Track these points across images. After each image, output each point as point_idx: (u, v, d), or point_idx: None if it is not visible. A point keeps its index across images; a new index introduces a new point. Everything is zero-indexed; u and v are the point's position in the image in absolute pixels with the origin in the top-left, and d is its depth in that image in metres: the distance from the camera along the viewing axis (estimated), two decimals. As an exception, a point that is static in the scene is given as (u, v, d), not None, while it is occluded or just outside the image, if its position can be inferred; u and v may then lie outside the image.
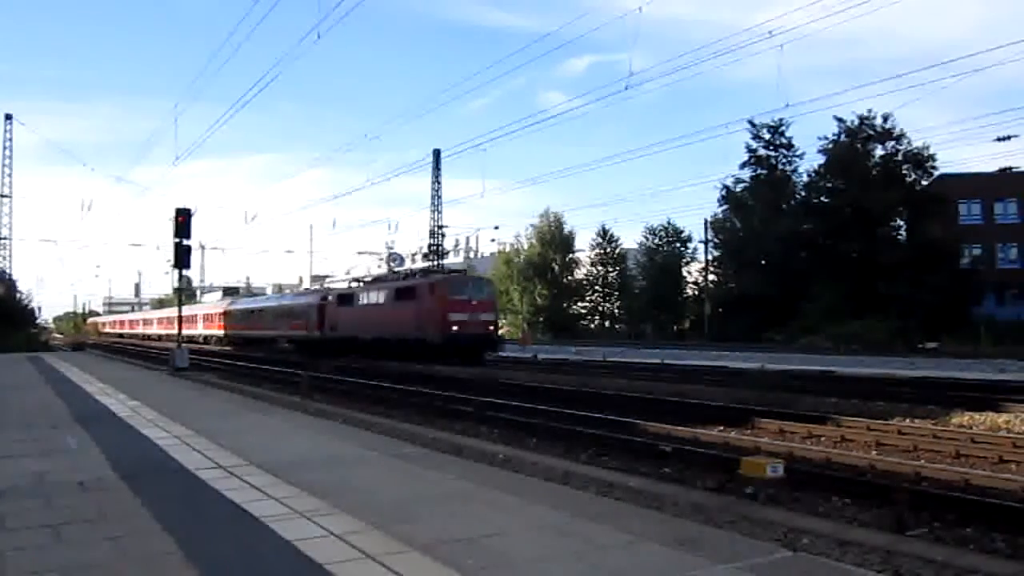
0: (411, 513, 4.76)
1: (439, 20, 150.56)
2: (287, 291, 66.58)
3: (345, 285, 40.43)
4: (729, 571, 3.67)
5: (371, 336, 31.08)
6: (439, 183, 51.32)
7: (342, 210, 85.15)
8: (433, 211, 51.15)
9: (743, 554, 3.99)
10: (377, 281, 35.96)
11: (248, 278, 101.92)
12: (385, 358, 27.92)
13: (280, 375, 22.08)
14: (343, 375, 22.35)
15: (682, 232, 60.31)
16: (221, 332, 52.68)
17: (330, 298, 36.94)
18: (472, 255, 73.81)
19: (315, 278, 74.28)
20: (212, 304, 62.72)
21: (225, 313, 53.53)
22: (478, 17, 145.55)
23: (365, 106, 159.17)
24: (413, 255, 54.92)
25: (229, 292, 75.28)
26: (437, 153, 50.76)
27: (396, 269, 45.82)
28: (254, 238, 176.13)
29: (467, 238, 72.35)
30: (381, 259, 53.83)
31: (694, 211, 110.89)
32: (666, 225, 60.34)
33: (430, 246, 50.78)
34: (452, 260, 55.20)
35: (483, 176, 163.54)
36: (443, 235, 51.39)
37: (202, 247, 58.84)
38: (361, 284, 37.04)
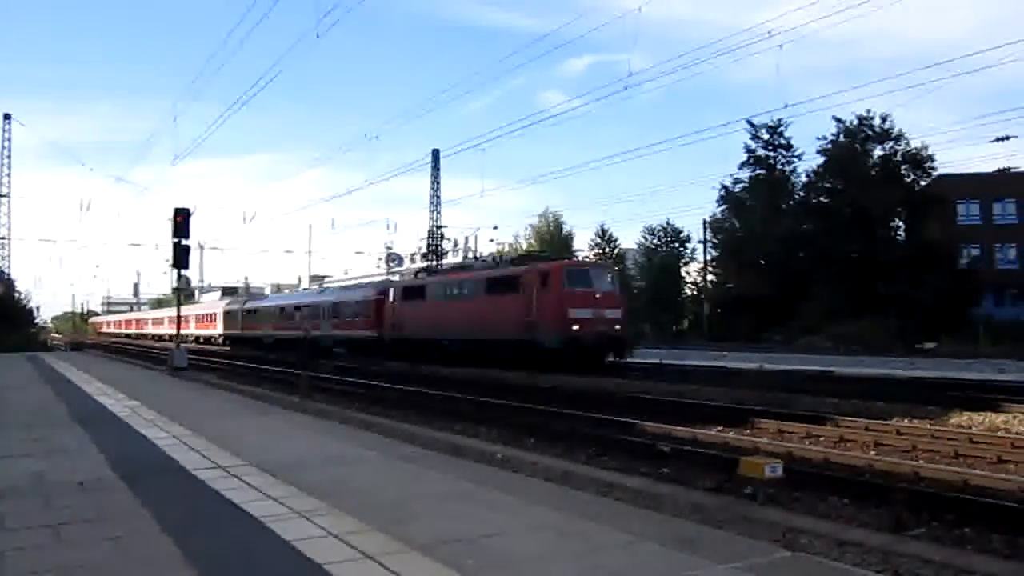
0: (410, 513, 4.77)
1: (439, 20, 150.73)
2: (286, 290, 66.39)
3: (411, 276, 35.58)
4: (728, 571, 3.68)
5: (454, 338, 26.05)
6: (438, 183, 51.41)
7: (341, 210, 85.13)
8: (432, 211, 51.22)
9: (742, 554, 4.00)
10: (459, 270, 30.81)
11: (247, 278, 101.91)
12: (476, 365, 23.20)
13: (279, 375, 22.08)
14: (343, 375, 22.37)
15: (681, 232, 60.50)
16: (246, 333, 46.96)
17: (392, 291, 31.43)
18: (471, 255, 73.74)
19: (314, 278, 74.22)
20: (234, 301, 55.96)
21: (251, 311, 47.57)
22: (478, 17, 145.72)
23: (365, 106, 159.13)
24: (412, 255, 54.89)
25: (228, 292, 75.04)
26: (436, 153, 50.87)
27: (483, 258, 38.83)
28: (253, 238, 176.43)
29: (466, 238, 72.30)
30: (380, 258, 53.69)
31: (693, 211, 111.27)
32: (665, 225, 60.51)
33: (429, 246, 50.77)
34: (452, 260, 55.13)
35: (482, 176, 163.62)
36: (442, 235, 51.43)
37: (201, 247, 58.91)
38: (435, 274, 32.00)
